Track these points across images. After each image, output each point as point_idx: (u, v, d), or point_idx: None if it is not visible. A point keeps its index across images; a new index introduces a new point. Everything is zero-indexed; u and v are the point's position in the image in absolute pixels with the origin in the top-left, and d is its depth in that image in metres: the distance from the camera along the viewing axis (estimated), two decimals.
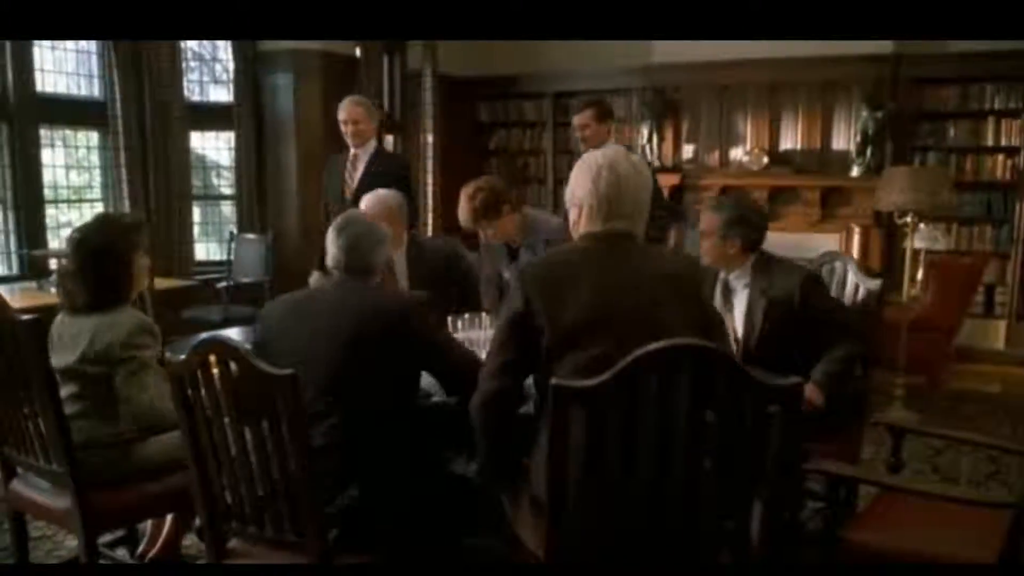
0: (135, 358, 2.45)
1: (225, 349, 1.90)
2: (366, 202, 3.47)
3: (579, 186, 2.15)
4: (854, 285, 3.25)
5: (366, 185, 4.01)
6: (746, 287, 3.01)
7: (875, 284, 3.18)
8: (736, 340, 2.98)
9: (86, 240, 2.56)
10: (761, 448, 1.67)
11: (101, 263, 2.52)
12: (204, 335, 2.40)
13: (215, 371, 1.93)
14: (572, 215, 2.21)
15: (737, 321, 3.02)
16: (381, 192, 3.50)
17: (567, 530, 1.75)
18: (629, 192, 2.11)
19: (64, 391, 2.48)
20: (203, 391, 1.94)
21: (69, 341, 2.50)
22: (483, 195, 3.43)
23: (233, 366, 1.89)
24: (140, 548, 2.93)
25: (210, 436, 1.98)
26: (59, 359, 2.49)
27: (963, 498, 2.32)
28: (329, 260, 2.43)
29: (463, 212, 3.48)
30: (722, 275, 3.09)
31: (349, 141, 4.46)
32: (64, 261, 2.64)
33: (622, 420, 1.66)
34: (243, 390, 1.89)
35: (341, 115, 4.45)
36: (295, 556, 1.97)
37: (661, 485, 1.68)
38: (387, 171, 4.30)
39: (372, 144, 4.50)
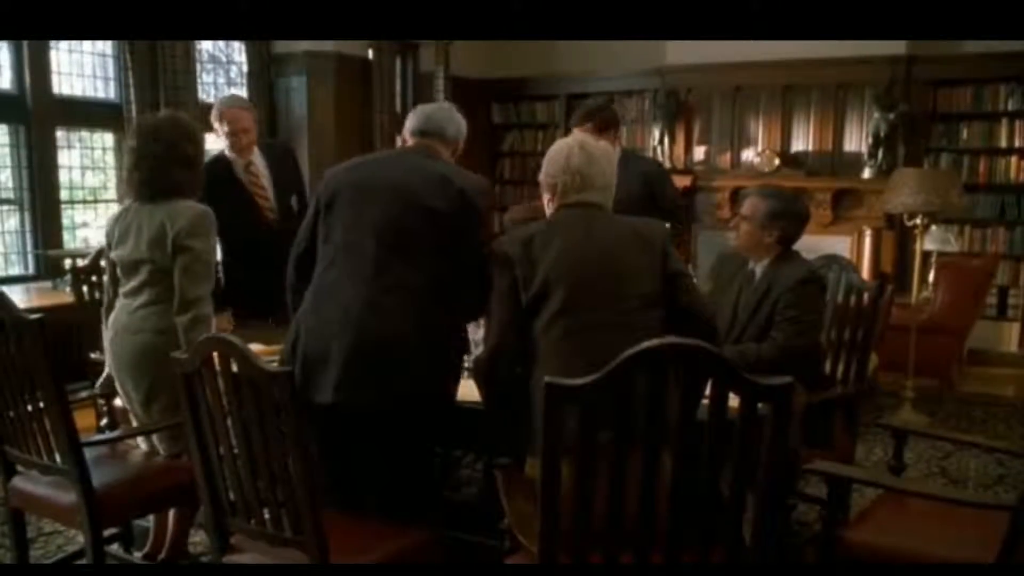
0: (193, 249, 2.54)
1: (227, 347, 1.93)
2: None
3: (552, 166, 2.31)
4: (846, 291, 3.27)
5: (282, 187, 3.85)
6: (763, 276, 3.02)
7: (871, 285, 3.22)
8: (735, 323, 3.01)
9: (166, 126, 2.66)
10: (752, 446, 1.68)
11: (181, 147, 2.62)
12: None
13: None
14: (546, 197, 2.34)
15: (744, 305, 3.02)
16: None
17: (561, 527, 1.77)
18: (599, 167, 2.27)
19: (132, 282, 2.61)
20: (207, 388, 1.97)
21: (138, 230, 2.59)
22: None
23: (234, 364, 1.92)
24: (146, 549, 2.92)
25: (213, 431, 2.02)
26: (124, 251, 2.61)
27: (959, 500, 2.32)
28: None
29: None
30: (750, 265, 3.09)
31: (238, 151, 3.75)
32: (131, 153, 2.67)
33: (613, 418, 1.68)
34: (243, 387, 1.92)
35: (227, 127, 3.67)
36: (295, 553, 1.99)
37: (652, 483, 1.69)
38: (288, 168, 3.94)
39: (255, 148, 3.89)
